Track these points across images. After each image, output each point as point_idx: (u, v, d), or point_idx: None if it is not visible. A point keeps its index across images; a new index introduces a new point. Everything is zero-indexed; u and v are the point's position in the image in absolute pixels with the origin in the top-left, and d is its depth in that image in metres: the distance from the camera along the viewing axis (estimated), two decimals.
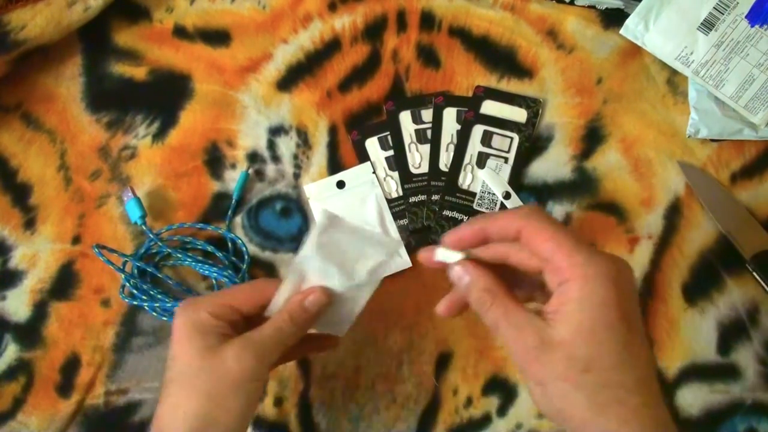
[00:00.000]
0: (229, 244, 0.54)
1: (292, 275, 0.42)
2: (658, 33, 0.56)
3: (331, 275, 0.41)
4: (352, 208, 0.55)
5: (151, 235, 0.52)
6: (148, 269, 0.52)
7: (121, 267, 0.52)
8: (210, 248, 0.54)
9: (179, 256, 0.53)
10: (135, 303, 0.52)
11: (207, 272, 0.53)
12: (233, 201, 0.55)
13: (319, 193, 0.56)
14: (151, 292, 0.52)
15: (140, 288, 0.52)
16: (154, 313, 0.52)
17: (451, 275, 0.38)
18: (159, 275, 0.53)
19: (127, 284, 0.52)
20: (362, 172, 0.56)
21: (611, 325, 0.32)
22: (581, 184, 0.56)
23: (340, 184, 0.56)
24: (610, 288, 0.33)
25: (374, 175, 0.56)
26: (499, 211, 0.38)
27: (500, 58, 0.59)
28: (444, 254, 0.38)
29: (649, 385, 0.33)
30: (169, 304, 0.51)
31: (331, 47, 0.60)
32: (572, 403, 0.33)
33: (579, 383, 0.32)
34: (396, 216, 0.56)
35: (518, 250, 0.36)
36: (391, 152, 0.57)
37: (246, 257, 0.53)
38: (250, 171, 0.57)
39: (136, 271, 0.53)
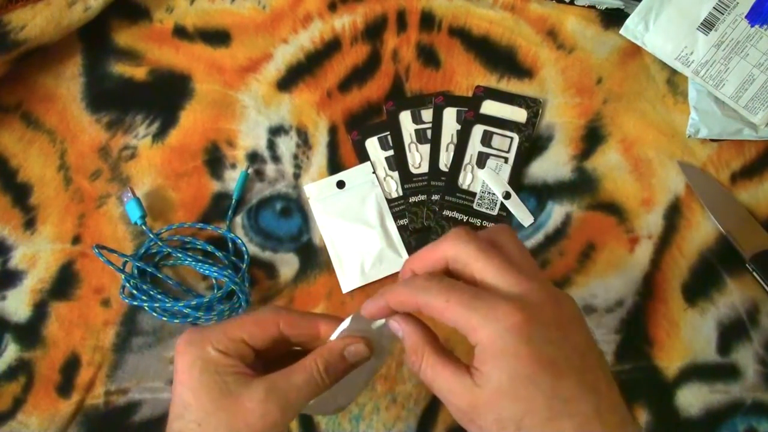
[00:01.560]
0: (229, 244, 0.54)
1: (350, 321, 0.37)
2: (658, 33, 0.56)
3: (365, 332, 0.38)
4: (352, 208, 0.55)
5: (151, 235, 0.52)
6: (148, 269, 0.52)
7: (121, 267, 0.52)
8: (210, 248, 0.54)
9: (179, 256, 0.53)
10: (135, 303, 0.52)
11: (207, 272, 0.53)
12: (233, 201, 0.55)
13: (319, 193, 0.56)
14: (151, 292, 0.52)
15: (140, 288, 0.52)
16: (154, 313, 0.52)
17: (391, 327, 0.36)
18: (159, 275, 0.53)
19: (127, 285, 0.52)
20: (362, 172, 0.56)
21: (532, 378, 0.31)
22: (581, 184, 0.56)
23: (340, 184, 0.56)
24: (520, 340, 0.31)
25: (374, 175, 0.56)
26: (395, 287, 0.35)
27: (500, 58, 0.59)
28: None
29: (593, 426, 0.32)
30: (169, 304, 0.51)
31: (331, 47, 0.60)
32: None
33: None
34: (396, 216, 0.56)
35: None
36: (391, 152, 0.57)
37: (246, 257, 0.53)
38: (250, 171, 0.57)
39: (136, 271, 0.53)
